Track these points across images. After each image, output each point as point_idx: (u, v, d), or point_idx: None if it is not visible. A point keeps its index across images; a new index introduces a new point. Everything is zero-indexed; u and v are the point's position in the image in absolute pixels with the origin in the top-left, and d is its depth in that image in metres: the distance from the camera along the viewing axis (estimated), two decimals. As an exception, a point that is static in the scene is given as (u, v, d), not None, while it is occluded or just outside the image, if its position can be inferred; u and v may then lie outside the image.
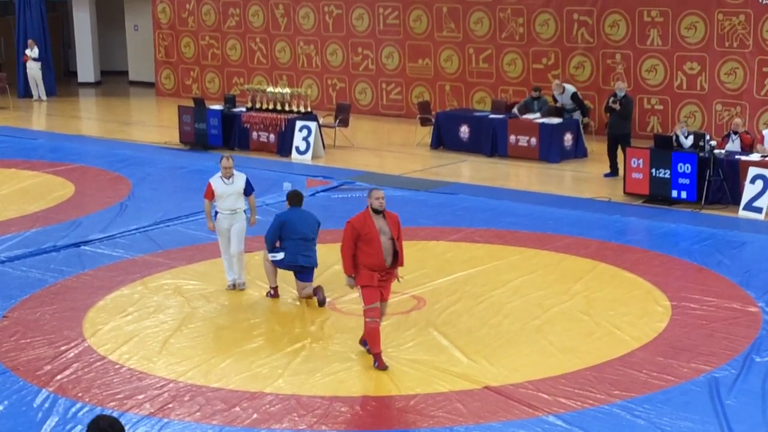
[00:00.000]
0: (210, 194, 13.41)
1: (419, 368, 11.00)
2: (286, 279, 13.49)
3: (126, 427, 9.60)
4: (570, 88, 21.68)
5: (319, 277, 13.85)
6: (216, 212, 13.48)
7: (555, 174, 20.10)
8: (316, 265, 13.27)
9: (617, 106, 19.26)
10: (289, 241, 12.99)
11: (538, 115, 21.43)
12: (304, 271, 13.14)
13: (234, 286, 13.53)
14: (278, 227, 13.04)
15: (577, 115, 21.52)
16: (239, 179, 13.44)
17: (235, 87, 28.22)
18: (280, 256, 13.01)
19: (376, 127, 25.25)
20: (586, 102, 22.25)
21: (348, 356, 11.30)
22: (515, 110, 21.86)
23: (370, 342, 11.06)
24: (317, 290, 13.05)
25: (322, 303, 12.93)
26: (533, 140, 21.01)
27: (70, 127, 26.15)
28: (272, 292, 13.31)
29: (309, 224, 13.18)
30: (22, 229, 16.50)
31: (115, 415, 9.88)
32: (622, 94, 19.33)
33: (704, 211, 17.05)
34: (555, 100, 21.91)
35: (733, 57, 21.33)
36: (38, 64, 29.97)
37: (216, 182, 13.41)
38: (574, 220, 16.61)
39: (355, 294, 13.28)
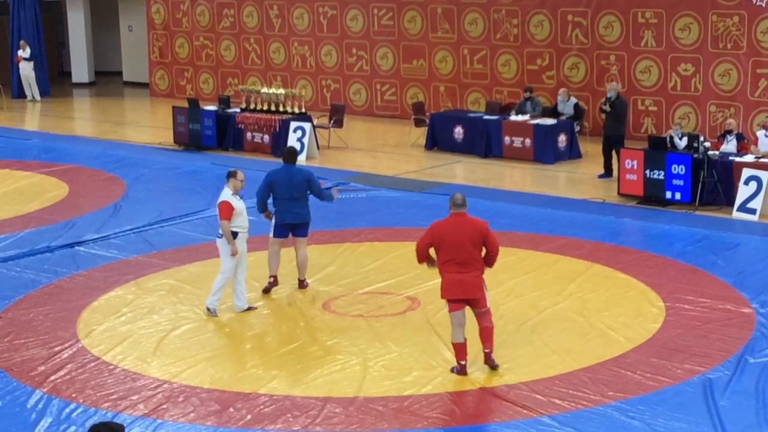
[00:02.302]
0: (230, 213, 12.43)
1: (414, 369, 11.00)
2: (287, 281, 13.49)
3: (120, 428, 9.65)
4: (573, 99, 21.73)
5: (313, 277, 13.88)
6: (235, 233, 12.58)
7: (549, 175, 20.12)
8: (308, 219, 13.42)
9: (607, 108, 19.28)
10: (278, 201, 13.25)
11: (527, 116, 21.44)
12: (296, 228, 13.35)
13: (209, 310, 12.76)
14: (267, 186, 13.25)
15: (568, 114, 21.56)
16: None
17: (230, 88, 28.20)
18: (273, 221, 13.35)
19: (370, 128, 25.25)
20: (581, 103, 22.25)
21: (342, 357, 11.30)
22: (513, 114, 21.89)
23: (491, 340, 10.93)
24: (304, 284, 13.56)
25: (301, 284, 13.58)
26: (527, 141, 21.01)
27: (64, 128, 26.11)
28: (271, 280, 13.40)
29: (295, 185, 13.22)
30: (15, 230, 16.47)
31: (108, 416, 9.92)
32: (613, 95, 19.33)
33: (698, 213, 17.06)
34: (554, 106, 21.95)
35: (727, 58, 21.35)
36: (31, 65, 29.90)
37: (232, 200, 12.50)
38: (568, 221, 16.62)
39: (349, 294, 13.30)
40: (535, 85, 22.95)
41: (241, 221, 12.59)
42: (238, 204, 12.59)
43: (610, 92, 19.45)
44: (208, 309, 12.68)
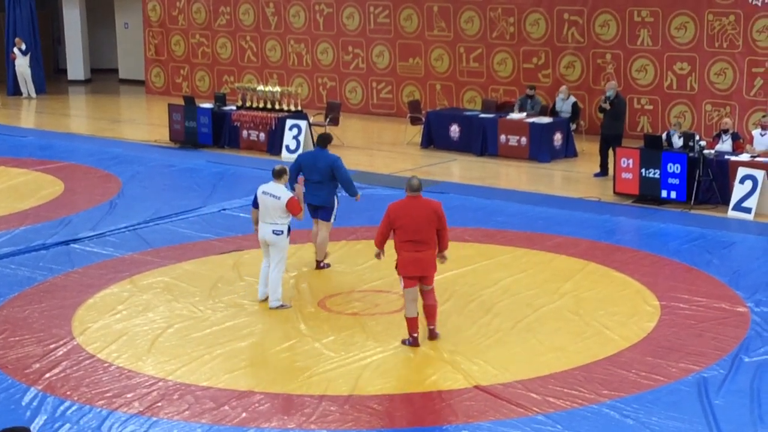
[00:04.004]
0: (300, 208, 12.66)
1: (408, 367, 11.01)
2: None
3: (115, 426, 9.65)
4: (573, 98, 21.72)
5: (307, 273, 13.88)
6: (289, 228, 12.72)
7: (545, 173, 20.12)
8: (328, 204, 13.96)
9: (607, 106, 19.30)
10: (306, 183, 13.68)
11: (524, 115, 21.45)
12: (318, 210, 14.03)
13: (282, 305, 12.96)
14: (296, 168, 13.90)
15: (566, 113, 21.56)
16: None
17: (226, 85, 28.17)
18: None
19: (366, 126, 25.23)
20: (579, 103, 22.24)
21: (337, 355, 11.30)
22: (515, 109, 21.93)
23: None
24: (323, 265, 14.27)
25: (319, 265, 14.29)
26: (523, 140, 21.02)
27: (59, 125, 26.09)
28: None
29: (317, 169, 13.87)
30: (11, 227, 16.46)
31: (103, 413, 9.92)
32: (613, 94, 19.36)
33: (694, 211, 17.08)
34: (552, 104, 21.97)
35: (723, 57, 21.37)
36: (26, 62, 29.87)
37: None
38: (563, 219, 16.63)
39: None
40: (533, 83, 22.94)
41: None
42: None
43: (609, 91, 19.45)
44: (281, 306, 12.74)
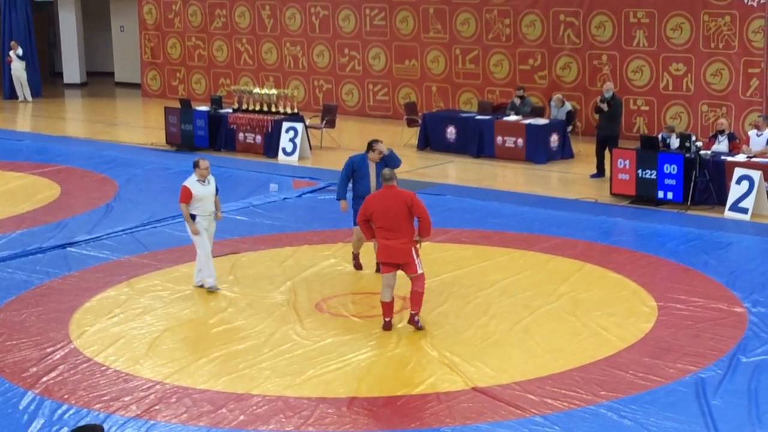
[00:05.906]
0: (188, 198, 13.12)
1: (406, 369, 11.01)
2: (280, 282, 13.47)
3: (113, 429, 9.64)
4: (568, 106, 21.68)
5: (301, 275, 13.86)
6: (193, 215, 13.20)
7: (542, 175, 20.13)
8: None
9: (605, 107, 19.30)
10: None
11: (520, 116, 21.46)
12: None
13: (202, 286, 13.51)
14: None
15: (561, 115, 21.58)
16: (212, 180, 13.33)
17: (222, 88, 28.19)
18: None
19: (362, 128, 25.22)
20: (572, 103, 22.28)
21: (335, 358, 11.30)
22: (508, 112, 21.93)
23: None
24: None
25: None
26: (520, 141, 21.03)
27: (55, 128, 26.08)
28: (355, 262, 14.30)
29: None
30: (7, 231, 16.44)
31: (101, 417, 9.91)
32: (610, 95, 19.38)
33: (690, 212, 17.09)
34: (546, 107, 21.99)
35: (719, 58, 21.39)
36: (22, 65, 29.87)
37: (194, 186, 13.14)
38: (560, 220, 16.63)
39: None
40: (527, 85, 22.98)
41: (200, 206, 13.21)
42: (201, 190, 13.19)
43: (607, 92, 19.45)
44: (201, 286, 13.46)
